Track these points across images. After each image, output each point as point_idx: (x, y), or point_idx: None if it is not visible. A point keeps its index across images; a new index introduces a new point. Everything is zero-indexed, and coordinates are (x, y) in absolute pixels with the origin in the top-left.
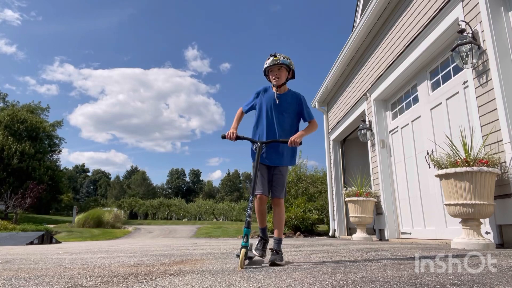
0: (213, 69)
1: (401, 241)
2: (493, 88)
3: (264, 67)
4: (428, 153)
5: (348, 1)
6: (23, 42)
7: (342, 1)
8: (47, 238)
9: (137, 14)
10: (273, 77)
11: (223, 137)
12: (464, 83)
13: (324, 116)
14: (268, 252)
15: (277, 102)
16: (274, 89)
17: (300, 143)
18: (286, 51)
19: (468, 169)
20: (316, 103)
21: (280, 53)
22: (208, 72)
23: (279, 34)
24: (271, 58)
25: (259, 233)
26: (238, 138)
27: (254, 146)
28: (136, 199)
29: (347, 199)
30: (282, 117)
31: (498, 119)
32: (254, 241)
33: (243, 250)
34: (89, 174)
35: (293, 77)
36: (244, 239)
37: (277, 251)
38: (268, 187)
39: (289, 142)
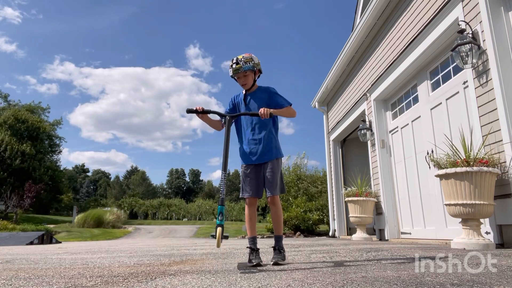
0: (215, 68)
1: (401, 241)
2: (493, 88)
3: (230, 75)
4: (428, 153)
5: (348, 1)
6: (23, 41)
7: (342, 1)
8: (47, 238)
9: (138, 12)
10: (241, 84)
11: (189, 110)
12: (464, 83)
13: (324, 116)
14: (271, 251)
15: (246, 104)
16: (243, 91)
17: (271, 115)
18: (287, 50)
19: (468, 169)
20: (316, 103)
21: (242, 54)
22: (210, 71)
23: (281, 32)
24: (234, 66)
25: (248, 244)
26: (204, 111)
27: (223, 120)
28: (136, 199)
29: (347, 199)
30: (255, 117)
31: (498, 119)
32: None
33: (219, 229)
34: (89, 174)
35: (260, 72)
36: (219, 217)
37: (279, 250)
38: (261, 187)
39: (260, 114)
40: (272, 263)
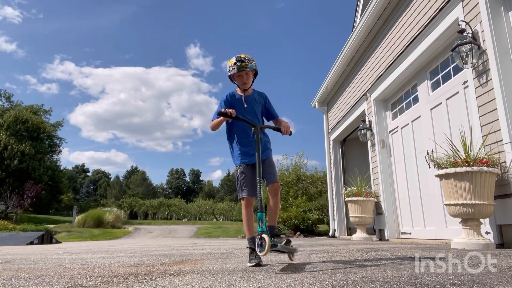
0: (216, 67)
1: (401, 241)
2: (493, 88)
3: (232, 73)
4: (428, 153)
5: (348, 1)
6: (23, 40)
7: (342, 1)
8: (47, 238)
9: (138, 11)
10: (242, 83)
11: (221, 113)
12: (464, 83)
13: (324, 116)
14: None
15: (245, 106)
16: (239, 91)
17: (291, 133)
18: (288, 50)
19: (468, 169)
20: (316, 103)
21: (242, 54)
22: (210, 70)
23: (282, 32)
24: (238, 64)
25: (248, 244)
26: (236, 117)
27: (253, 129)
28: (136, 199)
29: (347, 199)
30: (255, 118)
31: (498, 119)
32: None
33: (267, 237)
34: (89, 174)
35: (257, 73)
36: (260, 224)
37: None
38: (255, 186)
39: (283, 130)
40: (284, 242)
